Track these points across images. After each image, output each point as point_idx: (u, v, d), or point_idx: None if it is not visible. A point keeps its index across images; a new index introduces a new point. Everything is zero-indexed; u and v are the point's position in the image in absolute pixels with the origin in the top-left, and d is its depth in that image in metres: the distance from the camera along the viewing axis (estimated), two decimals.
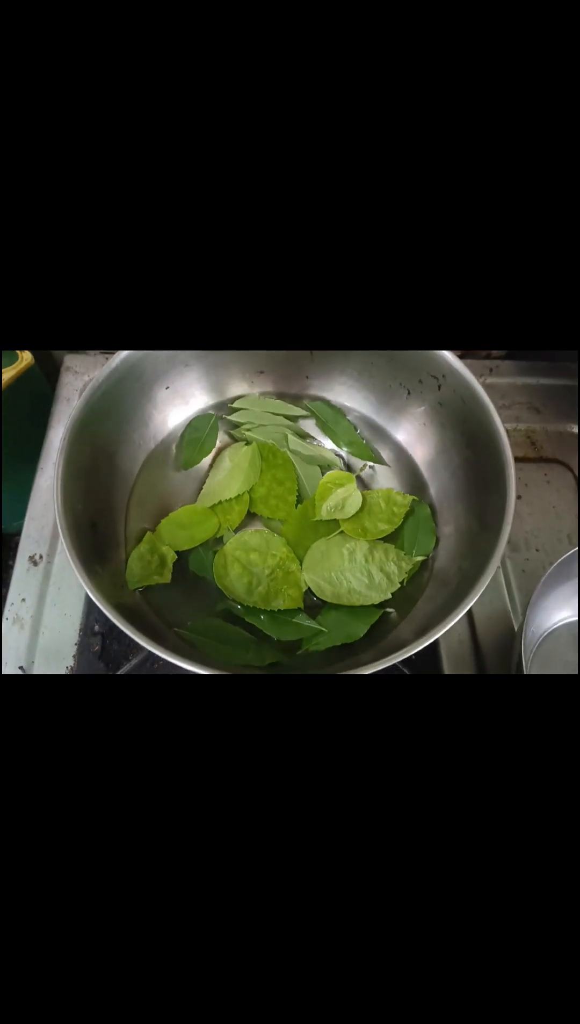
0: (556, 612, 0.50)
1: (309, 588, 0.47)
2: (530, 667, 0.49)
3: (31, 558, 0.54)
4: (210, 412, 0.55)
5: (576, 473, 0.59)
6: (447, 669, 0.50)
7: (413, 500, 0.50)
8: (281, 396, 0.56)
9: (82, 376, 0.65)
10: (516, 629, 0.50)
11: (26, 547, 0.55)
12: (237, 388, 0.56)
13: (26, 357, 0.60)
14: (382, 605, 0.46)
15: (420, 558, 0.48)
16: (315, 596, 0.47)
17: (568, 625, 0.51)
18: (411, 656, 0.50)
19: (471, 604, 0.38)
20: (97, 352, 0.67)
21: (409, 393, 0.52)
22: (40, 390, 0.65)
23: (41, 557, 0.54)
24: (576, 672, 0.49)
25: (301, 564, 0.48)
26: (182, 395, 0.54)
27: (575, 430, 0.61)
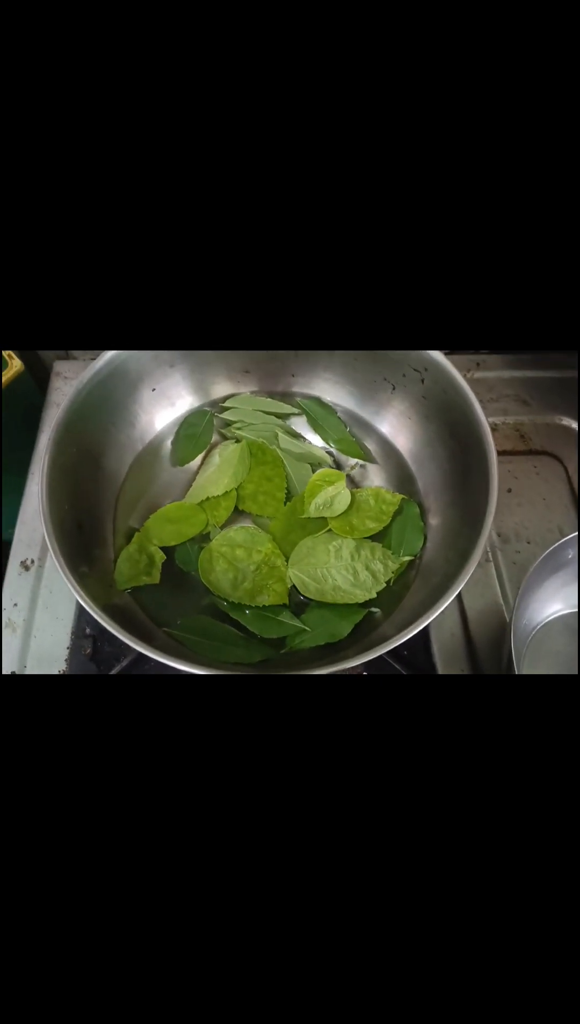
0: (549, 604, 0.50)
1: (295, 586, 0.47)
2: (522, 660, 0.48)
3: (23, 563, 0.54)
4: (206, 409, 0.56)
5: (565, 465, 0.59)
6: (440, 663, 0.49)
7: (402, 499, 0.50)
8: (267, 394, 0.57)
9: (72, 382, 0.65)
10: (507, 621, 0.49)
11: (18, 552, 0.55)
12: (223, 388, 0.56)
13: (16, 363, 0.60)
14: (367, 604, 0.46)
15: (407, 558, 0.47)
16: (301, 595, 0.46)
17: (561, 617, 0.51)
18: (403, 652, 0.50)
19: (453, 596, 0.37)
20: (88, 357, 0.67)
21: (394, 388, 0.52)
22: (32, 397, 0.66)
23: (32, 562, 0.54)
24: (568, 664, 0.49)
25: (287, 561, 0.47)
26: (168, 396, 0.54)
27: (563, 422, 0.61)
